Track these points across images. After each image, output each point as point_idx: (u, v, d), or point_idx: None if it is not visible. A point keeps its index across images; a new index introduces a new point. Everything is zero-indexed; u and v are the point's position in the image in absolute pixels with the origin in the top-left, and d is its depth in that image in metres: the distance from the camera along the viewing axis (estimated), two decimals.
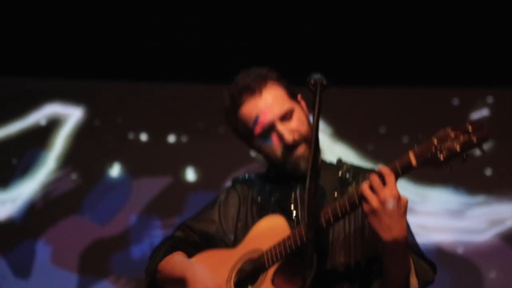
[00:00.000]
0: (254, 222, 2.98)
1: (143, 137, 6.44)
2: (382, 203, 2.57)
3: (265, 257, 2.81)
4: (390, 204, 2.58)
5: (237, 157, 6.01)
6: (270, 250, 2.79)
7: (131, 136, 6.44)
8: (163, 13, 6.23)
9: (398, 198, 2.59)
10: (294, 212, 2.93)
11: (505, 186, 6.41)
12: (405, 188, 6.34)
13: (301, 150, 2.91)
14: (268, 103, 2.95)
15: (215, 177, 6.13)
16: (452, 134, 2.58)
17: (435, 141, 2.60)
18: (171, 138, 6.41)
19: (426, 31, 6.31)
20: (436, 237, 6.35)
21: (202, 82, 6.35)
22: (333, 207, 2.69)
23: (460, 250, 6.35)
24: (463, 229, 6.38)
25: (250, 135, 3.01)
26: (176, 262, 2.97)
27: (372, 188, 2.60)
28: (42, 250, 6.26)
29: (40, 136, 6.41)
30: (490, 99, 6.52)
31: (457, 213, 6.40)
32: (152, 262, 3.06)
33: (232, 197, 3.10)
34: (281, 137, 2.92)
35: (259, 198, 3.05)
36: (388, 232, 2.60)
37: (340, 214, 2.68)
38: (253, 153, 6.17)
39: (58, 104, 6.43)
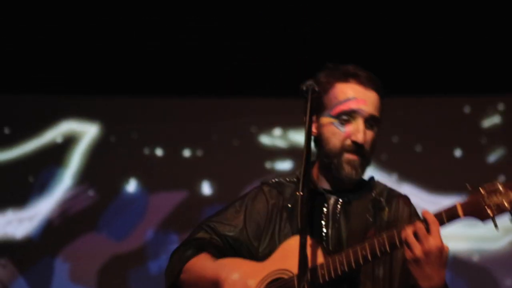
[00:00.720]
0: (283, 231, 2.91)
1: (159, 152, 6.47)
2: (426, 253, 2.58)
3: (296, 282, 2.68)
4: (433, 255, 2.58)
5: (253, 170, 6.04)
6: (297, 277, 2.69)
7: (146, 151, 6.46)
8: (174, 31, 6.29)
9: (442, 248, 2.60)
10: (325, 229, 2.87)
11: None
12: (419, 196, 6.46)
13: (358, 159, 2.87)
14: (369, 99, 2.95)
15: (231, 190, 6.11)
16: (502, 189, 2.62)
17: (484, 193, 2.64)
18: (186, 153, 6.43)
19: (436, 39, 6.33)
20: (451, 245, 6.29)
21: (215, 96, 6.38)
22: (371, 244, 2.66)
23: (475, 258, 6.35)
24: (478, 237, 6.37)
25: (326, 109, 2.93)
26: (207, 262, 2.90)
27: (416, 235, 2.60)
28: (60, 268, 6.26)
29: (56, 154, 6.44)
30: (501, 106, 6.53)
31: (472, 221, 6.39)
32: (177, 262, 2.97)
33: (259, 202, 3.01)
34: (355, 131, 2.88)
35: (289, 205, 2.97)
36: (428, 281, 2.61)
37: (379, 253, 2.66)
38: (268, 165, 6.19)
39: (74, 121, 6.48)
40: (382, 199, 2.95)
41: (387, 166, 6.24)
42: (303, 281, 2.45)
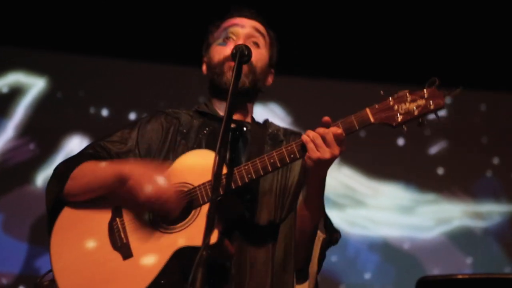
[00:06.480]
0: (176, 152, 2.91)
1: (104, 112, 6.45)
2: (332, 155, 2.69)
3: (199, 192, 2.73)
4: (335, 157, 2.70)
5: None
6: (204, 185, 2.73)
7: (92, 110, 6.44)
8: None
9: (335, 155, 2.71)
10: (226, 154, 2.85)
11: (455, 186, 6.54)
12: (358, 180, 6.52)
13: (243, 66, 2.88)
14: (249, 22, 3.08)
15: None
16: (410, 96, 2.74)
17: (393, 100, 2.75)
18: (132, 116, 6.42)
19: (391, 29, 6.41)
20: (384, 231, 6.46)
21: (166, 62, 6.37)
22: (279, 152, 2.73)
23: (406, 246, 6.47)
24: (411, 225, 6.50)
25: (214, 39, 3.09)
26: (100, 164, 2.82)
27: (324, 140, 2.69)
28: None
29: (1, 104, 6.38)
30: (448, 100, 6.60)
31: (407, 209, 6.51)
32: (62, 172, 2.87)
33: (154, 124, 3.02)
34: (236, 41, 2.95)
35: (184, 130, 3.00)
36: (321, 180, 2.77)
37: (288, 159, 2.72)
38: None
39: (22, 73, 6.42)
40: (279, 133, 3.08)
41: None
42: (215, 190, 2.44)
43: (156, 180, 2.66)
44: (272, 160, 2.71)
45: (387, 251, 6.41)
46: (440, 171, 6.58)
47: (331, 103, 6.60)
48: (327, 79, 6.58)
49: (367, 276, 6.41)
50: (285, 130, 3.11)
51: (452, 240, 6.48)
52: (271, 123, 3.14)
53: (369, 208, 6.49)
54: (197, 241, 2.28)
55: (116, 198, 2.79)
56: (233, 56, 2.74)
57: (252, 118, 3.12)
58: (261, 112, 3.15)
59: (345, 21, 6.37)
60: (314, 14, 6.34)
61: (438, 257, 6.44)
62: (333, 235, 2.92)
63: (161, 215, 2.70)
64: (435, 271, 6.37)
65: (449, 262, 6.43)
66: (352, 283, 6.42)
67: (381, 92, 2.77)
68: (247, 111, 3.09)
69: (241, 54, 2.73)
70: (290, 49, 6.09)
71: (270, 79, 3.15)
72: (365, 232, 6.44)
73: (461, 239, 6.49)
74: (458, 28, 6.41)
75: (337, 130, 2.71)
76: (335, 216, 6.35)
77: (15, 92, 6.38)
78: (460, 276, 4.51)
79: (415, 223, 6.50)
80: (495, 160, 6.67)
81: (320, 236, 2.87)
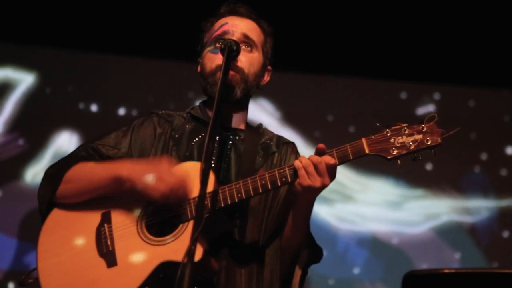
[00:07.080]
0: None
1: (93, 107, 6.44)
2: (322, 185, 2.71)
3: (187, 207, 2.73)
4: (325, 186, 2.72)
5: None
6: (194, 200, 2.72)
7: (81, 106, 6.43)
8: None
9: (325, 184, 2.72)
10: (213, 161, 2.89)
11: (444, 182, 6.56)
12: (347, 176, 6.52)
13: (234, 76, 2.91)
14: (243, 22, 3.03)
15: None
16: (407, 130, 2.72)
17: (390, 133, 2.72)
18: (121, 111, 6.42)
19: (379, 25, 6.41)
20: (373, 226, 6.48)
21: (156, 58, 6.37)
22: (271, 174, 2.74)
23: (395, 241, 6.49)
24: (399, 220, 6.51)
25: (207, 43, 3.04)
26: (94, 166, 2.83)
27: (316, 169, 2.69)
28: None
29: None
30: (437, 96, 6.65)
31: (395, 205, 6.53)
32: (55, 175, 2.86)
33: (147, 128, 3.02)
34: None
35: (176, 135, 2.99)
36: (308, 205, 2.80)
37: (279, 182, 2.73)
38: None
39: (10, 68, 6.40)
40: (272, 143, 3.06)
41: (319, 143, 6.30)
42: (201, 206, 2.45)
43: (160, 174, 2.67)
44: (263, 182, 2.72)
45: (375, 246, 6.43)
46: (429, 166, 6.59)
47: (320, 98, 6.61)
48: (316, 75, 6.58)
49: (356, 271, 6.42)
50: (278, 139, 3.10)
51: (440, 235, 6.50)
52: (265, 130, 3.12)
53: (358, 203, 6.50)
54: (182, 256, 2.28)
55: (111, 199, 2.80)
56: (221, 51, 2.78)
57: (246, 124, 3.08)
58: (251, 108, 3.14)
59: (334, 16, 6.37)
60: (303, 10, 6.34)
61: (427, 252, 6.46)
62: (315, 254, 2.95)
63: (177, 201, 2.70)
64: (424, 266, 6.39)
65: (437, 257, 6.46)
66: (341, 278, 6.43)
67: (377, 124, 2.75)
68: (240, 117, 3.06)
69: (230, 50, 2.76)
70: (280, 44, 6.13)
71: (266, 77, 3.11)
72: (354, 227, 6.46)
73: (449, 234, 6.51)
74: (447, 25, 6.42)
75: (330, 160, 2.71)
76: (324, 211, 6.43)
77: (4, 88, 6.36)
78: (446, 271, 4.53)
79: (403, 218, 6.52)
80: (483, 156, 6.69)
81: (303, 256, 2.90)
